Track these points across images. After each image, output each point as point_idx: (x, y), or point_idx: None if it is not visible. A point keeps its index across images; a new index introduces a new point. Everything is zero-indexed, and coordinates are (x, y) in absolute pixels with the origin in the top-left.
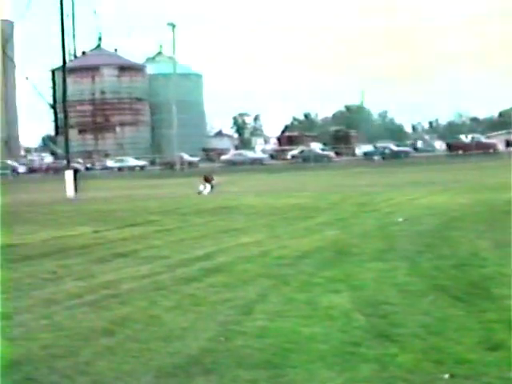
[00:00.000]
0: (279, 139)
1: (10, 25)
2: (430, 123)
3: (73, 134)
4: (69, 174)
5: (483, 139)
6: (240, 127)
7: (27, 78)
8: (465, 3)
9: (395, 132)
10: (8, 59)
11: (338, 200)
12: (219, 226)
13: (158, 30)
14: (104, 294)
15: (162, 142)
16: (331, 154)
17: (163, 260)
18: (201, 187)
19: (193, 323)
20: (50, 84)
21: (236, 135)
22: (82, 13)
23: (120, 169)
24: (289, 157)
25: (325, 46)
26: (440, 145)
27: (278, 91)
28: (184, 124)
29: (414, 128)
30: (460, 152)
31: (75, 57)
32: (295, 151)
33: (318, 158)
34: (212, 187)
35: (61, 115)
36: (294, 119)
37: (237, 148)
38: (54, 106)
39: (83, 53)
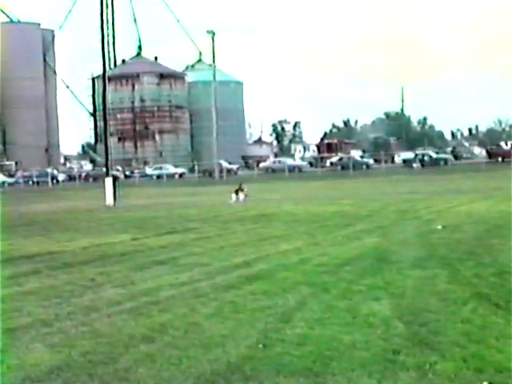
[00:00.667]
0: (318, 146)
1: (50, 33)
2: (470, 130)
3: (112, 141)
4: (108, 182)
5: None
6: (279, 134)
7: (68, 87)
8: None
9: (435, 139)
10: (49, 67)
11: (378, 207)
12: (259, 233)
13: (198, 37)
14: (143, 301)
15: (202, 149)
16: (370, 161)
17: (203, 267)
18: (233, 197)
19: (232, 330)
20: (90, 92)
21: (275, 142)
22: (121, 21)
23: (159, 176)
24: (328, 164)
25: (364, 54)
26: (480, 151)
27: (318, 98)
28: (224, 131)
29: (453, 135)
30: (499, 159)
31: (115, 65)
32: (334, 158)
33: (357, 166)
34: (246, 196)
35: (100, 123)
36: (334, 126)
37: (276, 155)
38: (93, 114)
39: (123, 61)
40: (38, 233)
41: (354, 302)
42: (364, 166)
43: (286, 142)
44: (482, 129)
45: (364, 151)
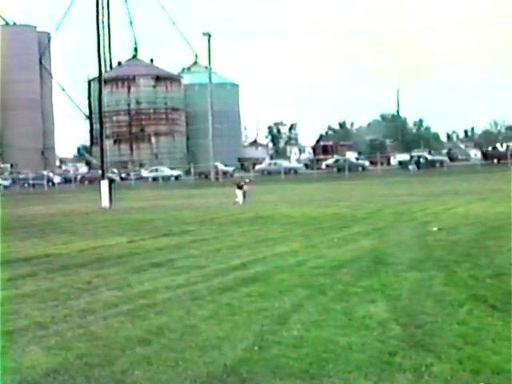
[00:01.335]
0: (314, 148)
1: (46, 36)
2: (466, 132)
3: (108, 144)
4: (104, 184)
5: None
6: (275, 136)
7: (63, 89)
8: None
9: (431, 141)
10: (45, 70)
11: (374, 209)
12: (255, 235)
13: (194, 39)
14: (140, 303)
15: (198, 151)
16: (366, 163)
17: (199, 269)
18: (238, 196)
19: (228, 333)
20: (86, 95)
21: (271, 144)
22: (117, 23)
23: (155, 179)
24: (324, 166)
25: (360, 55)
26: (475, 153)
27: (314, 100)
28: (220, 134)
29: (449, 137)
30: (495, 161)
31: (111, 67)
32: (330, 160)
33: (353, 168)
34: (244, 194)
35: (96, 125)
36: (329, 128)
37: (272, 157)
38: (89, 117)
39: (119, 63)
40: (34, 235)
41: (351, 304)
42: (360, 168)
43: (281, 144)
44: (478, 131)
45: (360, 153)
